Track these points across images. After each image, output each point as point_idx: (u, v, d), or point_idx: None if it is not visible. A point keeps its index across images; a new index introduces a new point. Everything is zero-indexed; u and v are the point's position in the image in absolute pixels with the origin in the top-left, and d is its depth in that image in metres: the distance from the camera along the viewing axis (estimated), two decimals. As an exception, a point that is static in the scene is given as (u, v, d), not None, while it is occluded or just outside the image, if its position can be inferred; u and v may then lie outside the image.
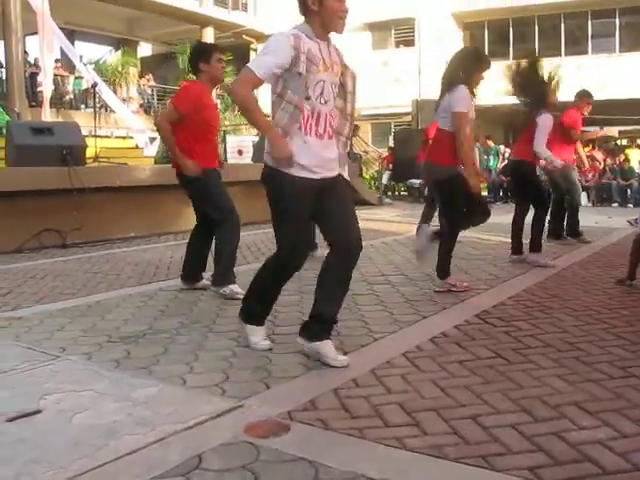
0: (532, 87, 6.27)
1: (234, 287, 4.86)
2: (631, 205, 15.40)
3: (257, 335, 3.50)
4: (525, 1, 21.56)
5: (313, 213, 3.26)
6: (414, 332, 3.82)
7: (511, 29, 23.32)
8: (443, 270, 5.02)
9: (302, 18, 3.21)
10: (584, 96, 8.03)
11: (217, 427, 2.48)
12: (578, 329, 3.83)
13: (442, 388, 2.84)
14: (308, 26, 3.18)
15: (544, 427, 2.44)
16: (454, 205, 4.96)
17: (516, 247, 6.38)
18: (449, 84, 4.91)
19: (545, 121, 6.23)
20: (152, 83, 24.44)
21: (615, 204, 15.77)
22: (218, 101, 24.48)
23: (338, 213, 3.26)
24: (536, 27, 22.94)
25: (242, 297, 3.67)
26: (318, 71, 3.12)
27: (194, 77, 5.10)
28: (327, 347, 3.21)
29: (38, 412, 2.61)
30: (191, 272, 5.20)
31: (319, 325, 3.25)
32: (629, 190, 16.08)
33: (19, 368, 3.18)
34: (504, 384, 2.89)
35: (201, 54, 4.93)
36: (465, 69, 4.91)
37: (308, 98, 3.12)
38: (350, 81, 3.30)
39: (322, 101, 3.16)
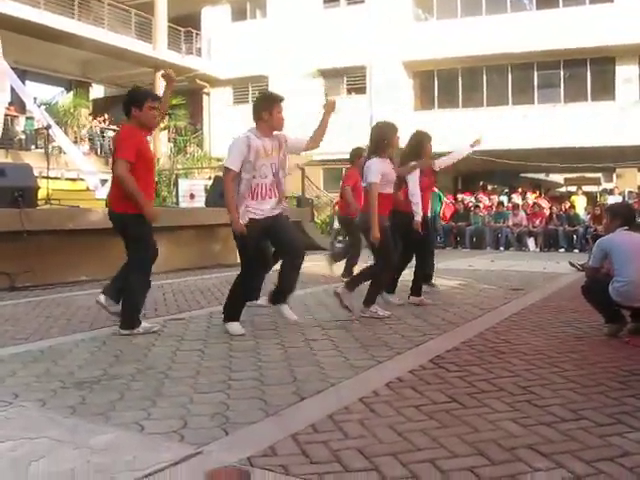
0: None
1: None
2: (577, 250, 15.84)
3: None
4: (473, 51, 22.15)
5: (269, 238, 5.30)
6: (370, 377, 3.85)
7: (460, 78, 23.96)
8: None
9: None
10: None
11: (177, 474, 2.47)
12: (530, 373, 3.92)
13: (399, 432, 2.87)
14: (256, 130, 5.16)
15: (500, 470, 2.49)
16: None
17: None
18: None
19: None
20: (104, 125, 24.31)
21: (562, 249, 16.19)
22: (171, 144, 24.57)
23: (284, 233, 5.27)
24: (484, 77, 23.61)
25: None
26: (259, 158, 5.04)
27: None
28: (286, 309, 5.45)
29: (-8, 461, 2.57)
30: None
31: (281, 295, 5.46)
32: (575, 236, 16.55)
33: (-30, 415, 3.11)
34: (460, 428, 2.94)
35: (134, 100, 5.17)
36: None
37: (254, 176, 5.04)
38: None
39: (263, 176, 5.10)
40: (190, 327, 5.48)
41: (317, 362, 4.19)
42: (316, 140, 5.45)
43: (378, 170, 5.80)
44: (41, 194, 9.64)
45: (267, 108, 5.20)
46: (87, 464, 2.52)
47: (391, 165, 6.00)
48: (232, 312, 5.28)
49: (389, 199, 5.97)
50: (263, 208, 5.12)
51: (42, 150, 20.36)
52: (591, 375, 3.86)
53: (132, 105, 5.13)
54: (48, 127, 13.73)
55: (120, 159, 5.03)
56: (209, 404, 3.30)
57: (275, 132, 5.22)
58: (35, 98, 15.23)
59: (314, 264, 8.66)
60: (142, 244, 5.16)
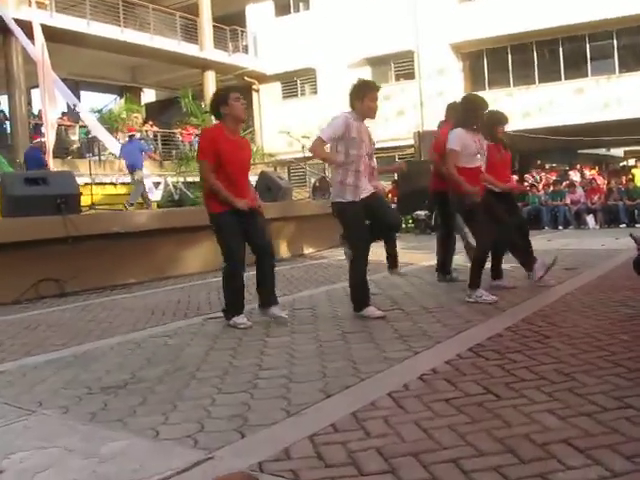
0: None
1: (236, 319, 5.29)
2: (639, 225, 15.22)
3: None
4: (522, 27, 21.51)
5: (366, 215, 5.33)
6: (403, 370, 3.66)
7: (510, 56, 23.33)
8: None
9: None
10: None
11: (182, 483, 2.35)
12: (574, 358, 3.67)
13: (425, 429, 2.69)
14: (354, 113, 5.26)
15: (529, 469, 2.28)
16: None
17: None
18: None
19: None
20: (155, 129, 24.57)
21: (623, 225, 15.59)
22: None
23: (380, 208, 5.45)
24: (534, 53, 22.91)
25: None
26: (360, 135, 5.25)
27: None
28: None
29: (-1, 473, 2.50)
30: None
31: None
32: (636, 210, 15.91)
33: (-9, 426, 3.07)
34: (491, 422, 2.74)
35: (219, 100, 5.25)
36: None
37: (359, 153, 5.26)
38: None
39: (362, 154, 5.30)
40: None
41: (350, 356, 4.02)
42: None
43: (460, 138, 5.76)
44: (91, 200, 9.75)
45: (359, 96, 5.25)
46: (92, 474, 2.43)
47: (477, 138, 5.87)
48: (361, 299, 5.36)
49: (476, 173, 5.83)
50: (361, 185, 5.25)
51: (97, 157, 20.78)
52: (640, 358, 3.60)
53: (219, 105, 5.20)
54: (75, 106, 13.63)
55: (199, 160, 5.29)
56: (230, 405, 3.17)
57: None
58: (75, 105, 15.34)
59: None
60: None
